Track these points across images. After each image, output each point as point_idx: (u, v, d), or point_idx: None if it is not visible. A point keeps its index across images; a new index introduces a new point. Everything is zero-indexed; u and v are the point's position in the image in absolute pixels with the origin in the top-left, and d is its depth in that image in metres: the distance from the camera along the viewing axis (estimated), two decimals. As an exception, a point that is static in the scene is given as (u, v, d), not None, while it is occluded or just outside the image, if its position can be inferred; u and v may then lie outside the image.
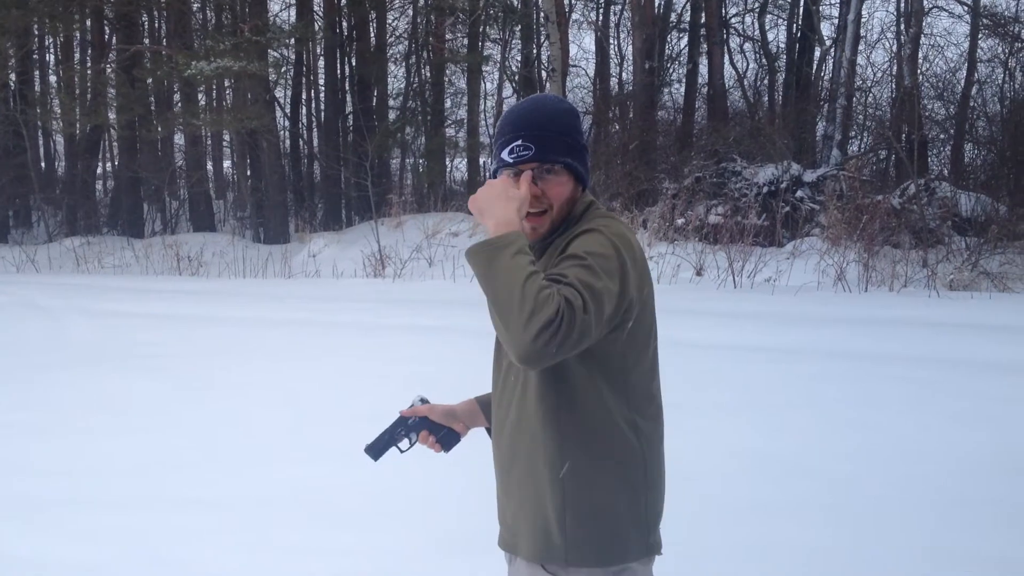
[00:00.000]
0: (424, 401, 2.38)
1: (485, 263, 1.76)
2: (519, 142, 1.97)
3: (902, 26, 22.91)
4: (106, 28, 23.95)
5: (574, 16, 26.46)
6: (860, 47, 20.77)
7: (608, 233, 1.89)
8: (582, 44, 29.54)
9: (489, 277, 1.74)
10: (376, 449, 2.40)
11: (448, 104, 27.15)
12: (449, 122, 26.90)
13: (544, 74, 24.76)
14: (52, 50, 28.28)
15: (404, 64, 26.97)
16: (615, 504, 1.95)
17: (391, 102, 26.14)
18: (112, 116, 22.08)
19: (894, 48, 24.03)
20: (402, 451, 2.38)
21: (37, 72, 26.92)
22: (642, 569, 2.01)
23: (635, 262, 1.89)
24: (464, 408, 2.37)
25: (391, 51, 26.03)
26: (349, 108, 24.56)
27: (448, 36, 25.24)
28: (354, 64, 24.47)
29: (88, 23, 23.67)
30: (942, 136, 21.58)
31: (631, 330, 1.91)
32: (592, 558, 1.94)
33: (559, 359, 1.73)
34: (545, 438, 1.95)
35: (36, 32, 24.00)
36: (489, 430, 2.29)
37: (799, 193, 15.64)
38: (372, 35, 24.65)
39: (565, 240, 1.96)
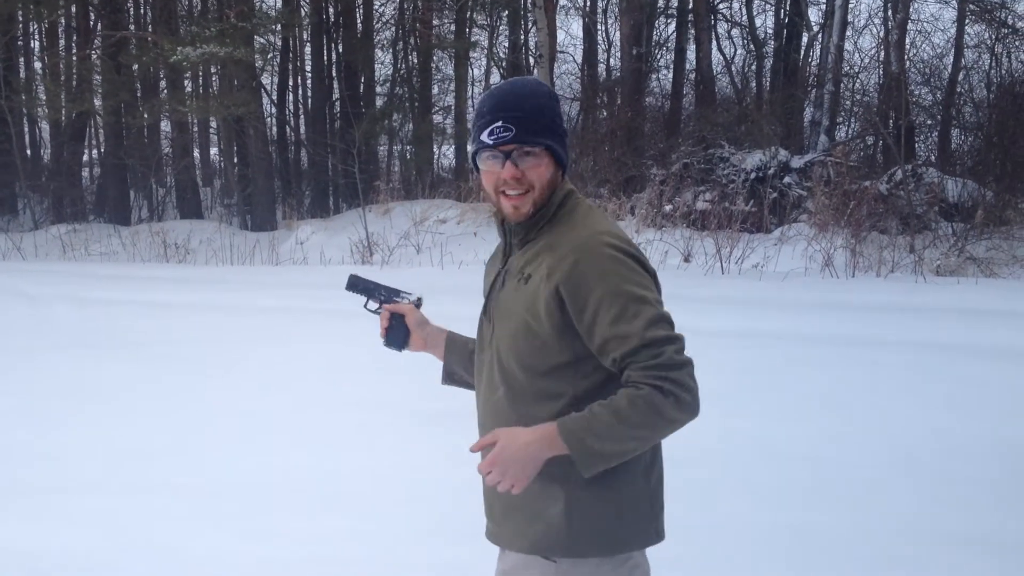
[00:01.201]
0: (419, 304, 2.39)
1: (607, 454, 1.85)
2: (499, 123, 1.96)
3: (889, 12, 22.89)
4: (91, 14, 23.75)
5: (561, 2, 26.38)
6: (847, 33, 20.78)
7: (611, 245, 1.91)
8: (569, 30, 29.46)
9: (621, 448, 1.86)
10: (358, 285, 2.45)
11: (435, 91, 27.08)
12: (436, 108, 26.83)
13: (531, 60, 24.70)
14: (37, 36, 28.04)
15: (391, 50, 26.86)
16: (620, 493, 1.95)
17: (378, 89, 26.04)
18: (98, 103, 21.92)
19: (881, 34, 24.06)
20: (365, 306, 2.41)
21: (22, 59, 26.71)
22: (643, 556, 2.02)
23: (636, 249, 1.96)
24: (435, 331, 2.38)
25: (378, 37, 25.92)
26: (336, 95, 24.47)
27: (435, 22, 25.12)
28: (341, 50, 24.36)
29: (73, 9, 23.48)
30: (929, 122, 21.61)
31: None
32: (596, 549, 1.94)
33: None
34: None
35: (20, 18, 23.78)
36: (447, 372, 2.37)
37: (787, 179, 15.66)
38: (359, 21, 24.53)
39: (553, 239, 1.97)
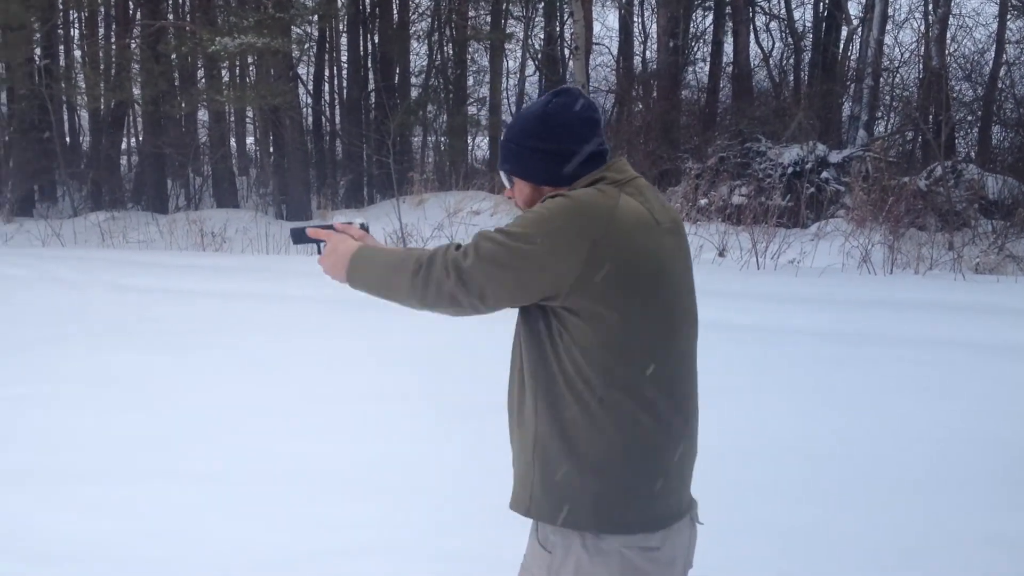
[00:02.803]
0: (364, 227, 2.41)
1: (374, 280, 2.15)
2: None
3: (930, 6, 22.60)
4: (131, 3, 23.97)
5: (598, -7, 26.30)
6: (887, 27, 20.55)
7: (539, 208, 1.98)
8: (606, 22, 29.48)
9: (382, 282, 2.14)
10: (299, 236, 2.45)
11: (470, 82, 27.09)
12: (471, 100, 26.85)
13: (567, 52, 24.62)
14: (77, 25, 28.33)
15: (427, 41, 26.90)
16: (563, 467, 1.99)
17: (413, 79, 26.11)
18: (136, 91, 22.11)
19: (922, 28, 23.76)
20: (319, 251, 2.40)
21: (62, 47, 26.96)
22: (641, 556, 1.98)
23: (573, 240, 1.90)
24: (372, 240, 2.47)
25: (414, 28, 25.98)
26: (371, 85, 24.54)
27: (471, 13, 25.12)
28: (377, 41, 24.44)
29: (113, -2, 23.73)
30: (970, 118, 21.35)
31: (590, 305, 1.91)
32: (547, 515, 2.01)
33: (440, 308, 2.03)
34: (528, 387, 2.04)
35: (61, 7, 24.01)
36: None
37: (824, 174, 15.52)
38: (395, 12, 24.59)
39: None
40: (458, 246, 2.01)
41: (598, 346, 1.92)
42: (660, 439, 2.00)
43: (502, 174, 2.21)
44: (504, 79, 26.68)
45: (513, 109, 27.47)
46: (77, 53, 28.02)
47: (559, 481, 1.99)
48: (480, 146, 28.37)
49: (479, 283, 1.94)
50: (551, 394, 1.98)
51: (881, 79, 19.94)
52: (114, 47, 23.59)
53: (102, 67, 23.46)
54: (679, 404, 2.04)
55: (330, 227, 2.36)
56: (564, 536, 1.99)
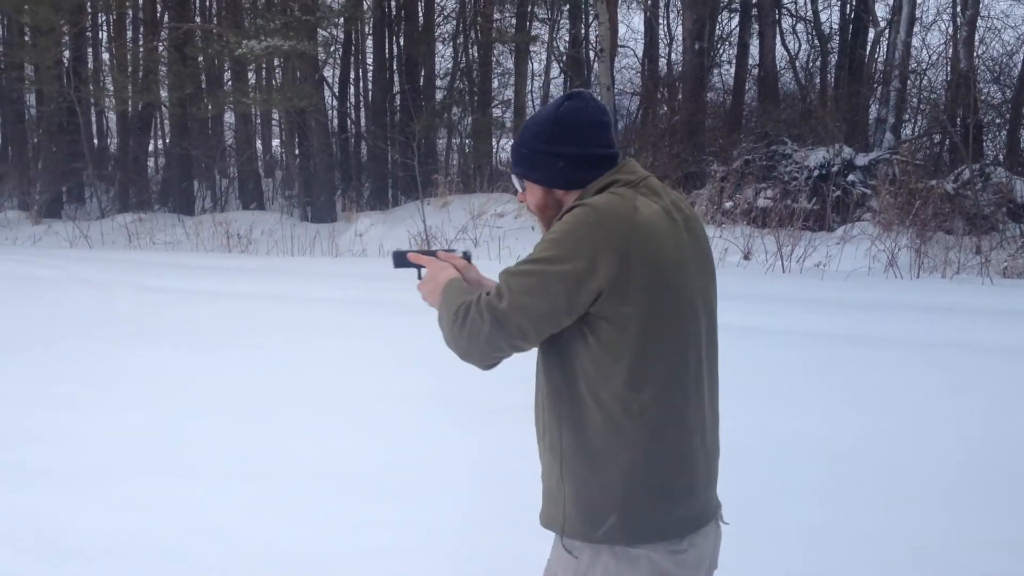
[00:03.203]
0: (467, 256, 2.42)
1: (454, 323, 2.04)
2: None
3: (958, 8, 22.41)
4: (158, 6, 24.16)
5: (623, -4, 26.25)
6: (915, 29, 20.39)
7: (559, 226, 1.96)
8: (631, 24, 29.46)
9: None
10: (400, 259, 2.46)
11: (495, 84, 27.08)
12: (496, 102, 26.83)
13: (592, 54, 24.60)
14: (105, 28, 28.58)
15: (452, 44, 26.95)
16: (593, 485, 1.98)
17: (438, 82, 26.14)
18: (164, 94, 22.29)
19: (950, 30, 23.56)
20: (419, 277, 2.40)
21: (90, 50, 27.19)
22: (667, 558, 1.98)
23: (601, 249, 1.89)
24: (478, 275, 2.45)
25: (439, 31, 26.02)
26: (396, 88, 24.60)
27: (496, 16, 25.14)
28: (402, 44, 24.49)
29: (140, 1, 23.89)
30: (998, 120, 21.13)
31: (622, 309, 1.90)
32: (582, 534, 1.99)
33: (476, 359, 2.03)
34: (549, 411, 2.04)
35: (89, 9, 24.23)
36: None
37: (851, 177, 15.42)
38: (420, 15, 24.63)
39: None
40: (487, 293, 2.01)
41: (626, 353, 1.91)
42: (684, 445, 1.99)
43: (514, 178, 2.22)
44: (529, 81, 26.70)
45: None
46: (105, 56, 28.25)
47: (591, 499, 1.98)
48: (505, 148, 28.38)
49: (517, 322, 1.94)
50: (574, 415, 1.98)
51: (908, 81, 19.79)
52: (142, 50, 23.76)
53: (130, 70, 23.64)
54: (703, 407, 2.04)
55: (433, 254, 2.36)
56: (590, 543, 1.99)
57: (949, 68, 21.72)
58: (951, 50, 21.96)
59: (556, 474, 2.04)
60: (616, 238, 1.89)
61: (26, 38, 23.09)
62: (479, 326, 1.95)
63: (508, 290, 1.94)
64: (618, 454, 1.95)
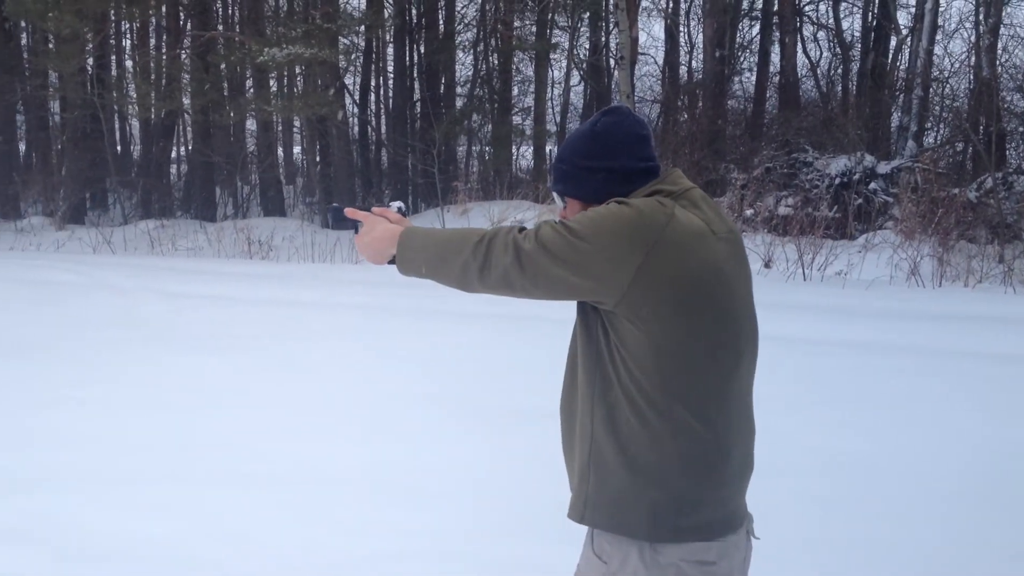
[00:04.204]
0: (400, 211, 2.42)
1: (430, 261, 2.11)
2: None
3: (981, 16, 22.29)
4: (181, 14, 24.32)
5: (644, 3, 26.23)
6: (937, 37, 20.29)
7: (600, 209, 1.98)
8: (651, 32, 29.40)
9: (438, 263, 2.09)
10: (337, 215, 2.47)
11: (515, 92, 27.09)
12: (516, 110, 26.85)
13: (612, 62, 24.62)
14: (129, 36, 28.79)
15: (472, 51, 26.99)
16: (622, 479, 1.99)
17: (458, 89, 26.20)
18: (186, 101, 22.42)
19: (972, 38, 23.43)
20: (356, 231, 2.41)
21: (114, 57, 27.40)
22: (668, 550, 1.98)
23: (622, 249, 1.90)
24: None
25: (459, 38, 26.05)
26: (417, 95, 24.67)
27: (516, 23, 25.18)
28: (422, 51, 24.57)
29: (163, 9, 24.06)
30: (1021, 129, 20.97)
31: (644, 314, 1.91)
32: (602, 522, 2.02)
33: (479, 283, 2.03)
34: (583, 405, 2.05)
35: (113, 18, 24.42)
36: None
37: (872, 185, 15.36)
38: (441, 22, 24.71)
39: None
40: (521, 228, 2.02)
41: (653, 355, 1.92)
42: (715, 449, 2.00)
43: (555, 195, 2.23)
44: (549, 89, 26.67)
45: (558, 119, 27.47)
46: (129, 64, 28.47)
47: (615, 489, 1.99)
48: (524, 156, 28.40)
49: (533, 269, 1.95)
50: (607, 399, 1.99)
51: (931, 89, 19.70)
52: (165, 58, 23.94)
53: (153, 77, 23.80)
54: (735, 414, 2.05)
55: (367, 210, 2.38)
56: (620, 546, 1.99)
57: (972, 76, 21.61)
58: (974, 58, 21.87)
59: (584, 459, 2.05)
60: (645, 240, 1.90)
61: (50, 45, 23.30)
62: (500, 256, 1.98)
63: (537, 237, 1.96)
64: (648, 451, 1.96)
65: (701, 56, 23.06)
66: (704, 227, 1.99)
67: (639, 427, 1.95)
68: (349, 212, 2.39)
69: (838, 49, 26.34)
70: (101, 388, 6.94)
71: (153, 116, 23.44)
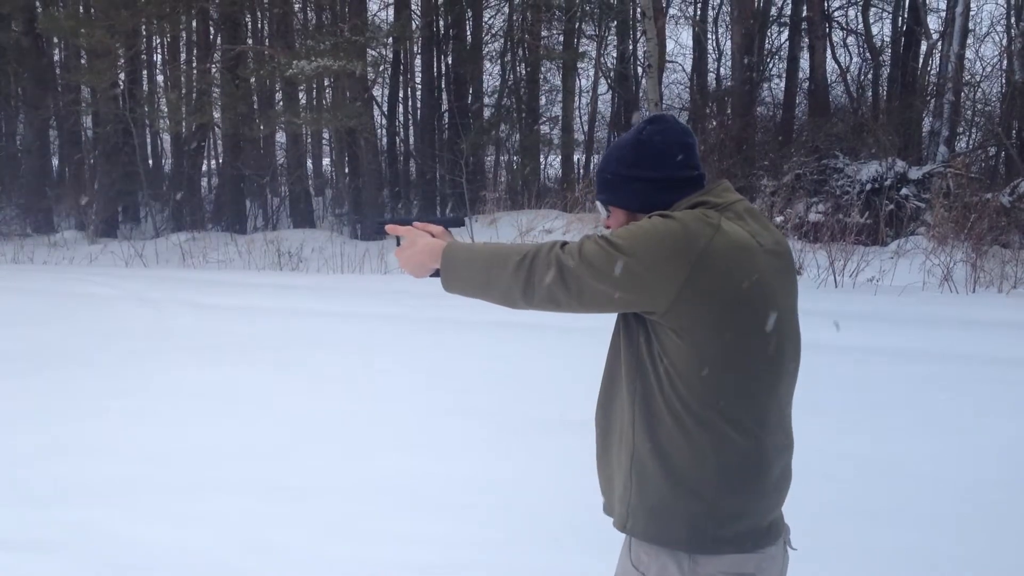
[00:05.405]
0: (458, 221, 2.50)
1: (475, 279, 2.09)
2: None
3: (1012, 19, 22.11)
4: (211, 29, 24.56)
5: (671, 11, 26.20)
6: (968, 41, 20.12)
7: (643, 222, 1.97)
8: (679, 39, 29.37)
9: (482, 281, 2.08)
10: (379, 230, 2.48)
11: (543, 101, 27.13)
12: (544, 119, 26.88)
13: (640, 70, 24.58)
14: (159, 50, 29.13)
15: (500, 61, 27.06)
16: (662, 488, 1.98)
17: (486, 99, 26.27)
18: (216, 115, 22.62)
19: (1004, 42, 23.23)
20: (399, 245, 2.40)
21: (145, 72, 27.71)
22: (707, 562, 1.96)
23: (665, 264, 1.89)
24: None
25: (487, 49, 26.13)
26: (445, 106, 24.75)
27: (544, 33, 25.22)
28: (450, 62, 24.65)
29: (194, 24, 24.31)
30: (1055, 132, 20.77)
31: (687, 326, 1.90)
32: (642, 532, 2.01)
33: (523, 300, 2.02)
34: (625, 413, 2.04)
35: (144, 33, 24.70)
36: None
37: (904, 191, 15.23)
38: (468, 33, 24.78)
39: None
40: (564, 244, 2.00)
41: (696, 366, 1.91)
42: (755, 461, 1.98)
43: (599, 204, 2.22)
44: (577, 98, 26.74)
45: (586, 128, 27.48)
46: (159, 78, 28.77)
47: (655, 498, 1.98)
48: (552, 165, 28.39)
49: (578, 285, 1.94)
50: (649, 407, 1.98)
51: (962, 94, 19.51)
52: (195, 72, 24.16)
53: (183, 91, 24.03)
54: (775, 426, 2.03)
55: (409, 223, 2.38)
56: (658, 558, 1.98)
57: (1004, 80, 21.40)
58: (1005, 61, 21.65)
59: (625, 468, 2.04)
60: (690, 253, 1.89)
61: (82, 61, 23.59)
62: (544, 274, 1.97)
63: (580, 253, 1.94)
64: (689, 462, 1.95)
65: (729, 63, 23.00)
66: (750, 240, 1.97)
67: (680, 437, 1.94)
68: (390, 229, 2.39)
69: (868, 54, 26.16)
70: (133, 400, 6.99)
71: (184, 130, 23.66)
